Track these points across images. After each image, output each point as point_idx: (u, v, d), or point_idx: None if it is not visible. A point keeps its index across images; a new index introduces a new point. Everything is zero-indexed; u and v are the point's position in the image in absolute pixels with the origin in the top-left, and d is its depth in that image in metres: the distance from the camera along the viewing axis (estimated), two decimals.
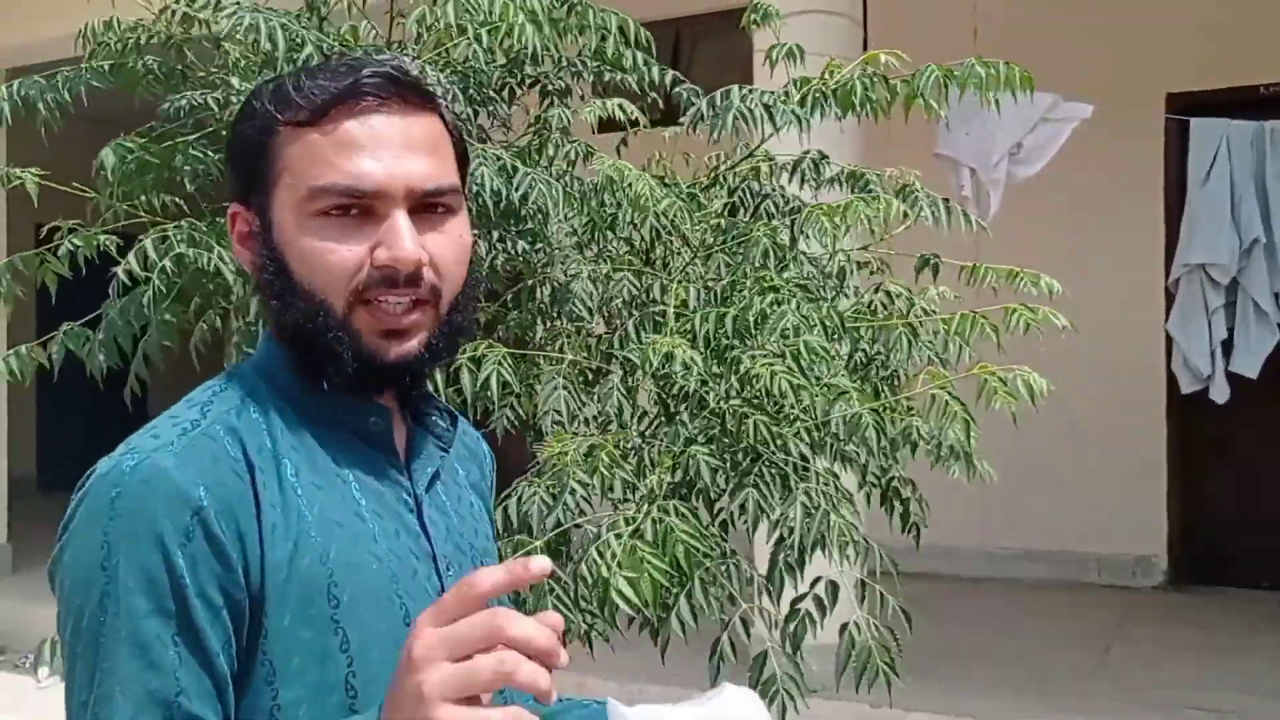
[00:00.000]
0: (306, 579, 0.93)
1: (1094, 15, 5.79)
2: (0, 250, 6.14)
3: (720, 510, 1.93)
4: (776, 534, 1.87)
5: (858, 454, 1.99)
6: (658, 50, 2.45)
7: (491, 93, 2.21)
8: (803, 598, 1.93)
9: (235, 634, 0.91)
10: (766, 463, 1.84)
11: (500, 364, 1.86)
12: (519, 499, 1.78)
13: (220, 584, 0.90)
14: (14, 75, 2.40)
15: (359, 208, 0.97)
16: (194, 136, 2.20)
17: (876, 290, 2.28)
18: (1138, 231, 5.76)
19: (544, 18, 1.97)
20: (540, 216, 2.04)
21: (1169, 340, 5.37)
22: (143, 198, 2.20)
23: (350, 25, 2.21)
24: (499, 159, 2.00)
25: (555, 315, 2.10)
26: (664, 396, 1.98)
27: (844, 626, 1.85)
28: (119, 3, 2.41)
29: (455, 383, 1.87)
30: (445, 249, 1.00)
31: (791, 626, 1.89)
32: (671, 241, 2.16)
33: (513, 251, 2.12)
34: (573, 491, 1.75)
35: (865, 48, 4.42)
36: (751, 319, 1.88)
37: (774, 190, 2.31)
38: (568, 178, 2.17)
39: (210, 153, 2.19)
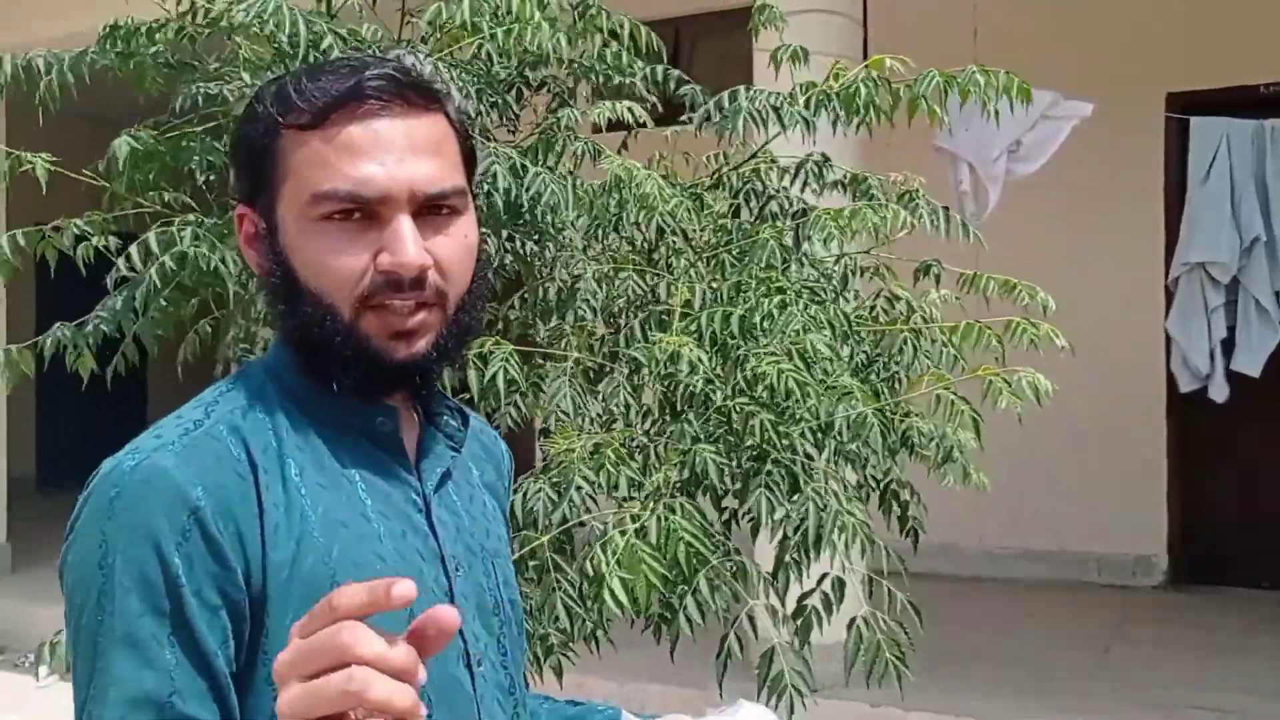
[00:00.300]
0: (309, 579, 0.92)
1: (1094, 14, 5.79)
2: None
3: (726, 508, 1.93)
4: (781, 532, 1.88)
5: (859, 454, 1.99)
6: (658, 50, 2.45)
7: (500, 93, 2.21)
8: (810, 594, 1.93)
9: (236, 634, 0.91)
10: (775, 462, 1.84)
11: (507, 361, 1.86)
12: (524, 495, 1.79)
13: (218, 584, 0.89)
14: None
15: (362, 212, 0.96)
16: (201, 129, 2.20)
17: (878, 295, 2.29)
18: (1138, 231, 5.76)
19: (562, 18, 1.96)
20: (549, 216, 2.04)
21: (1169, 340, 5.37)
22: (149, 192, 2.20)
23: (366, 27, 2.20)
24: (510, 158, 2.00)
25: (561, 315, 2.10)
26: (669, 395, 1.98)
27: (851, 622, 1.85)
28: (122, 3, 2.40)
29: (462, 380, 1.87)
30: (450, 251, 0.99)
31: (798, 623, 1.90)
32: (674, 241, 2.16)
33: (521, 251, 2.12)
34: (578, 488, 1.75)
35: (865, 47, 4.42)
36: (758, 319, 1.89)
37: (778, 192, 2.31)
38: (574, 178, 2.17)
39: (219, 146, 2.19)
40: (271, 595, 0.91)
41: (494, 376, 1.84)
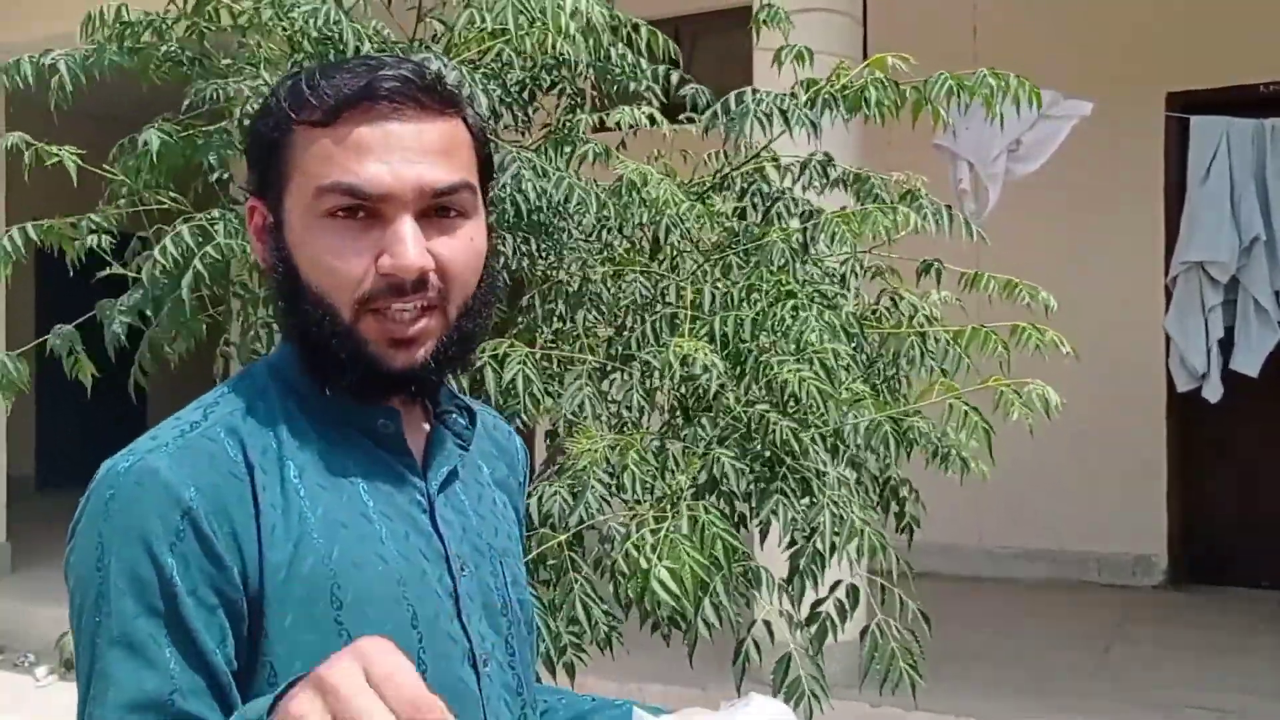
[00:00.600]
0: (309, 580, 0.92)
1: (1094, 14, 5.79)
2: None
3: (739, 512, 1.93)
4: (789, 537, 1.88)
5: (865, 458, 1.99)
6: (674, 55, 2.45)
7: (514, 95, 2.21)
8: (824, 601, 1.94)
9: (234, 634, 0.90)
10: (790, 468, 1.84)
11: (524, 363, 1.86)
12: (540, 499, 1.79)
13: (214, 584, 0.89)
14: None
15: (366, 210, 0.95)
16: (216, 127, 2.20)
17: (881, 295, 2.29)
18: (1137, 230, 5.76)
19: (599, 26, 1.96)
20: (565, 220, 2.04)
21: (1169, 339, 5.37)
22: (156, 190, 2.20)
23: (375, 23, 2.19)
24: (532, 161, 1.99)
25: (570, 318, 2.10)
26: (683, 398, 1.98)
27: (865, 630, 1.86)
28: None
29: (480, 382, 1.87)
30: (455, 253, 0.98)
31: (813, 629, 1.90)
32: (679, 242, 2.15)
33: (536, 255, 2.12)
34: (593, 490, 1.75)
35: (865, 46, 4.42)
36: (770, 324, 1.89)
37: (784, 193, 2.31)
38: (589, 181, 2.18)
39: (235, 144, 2.19)
40: (269, 596, 0.91)
41: (513, 379, 1.84)
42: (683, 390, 1.96)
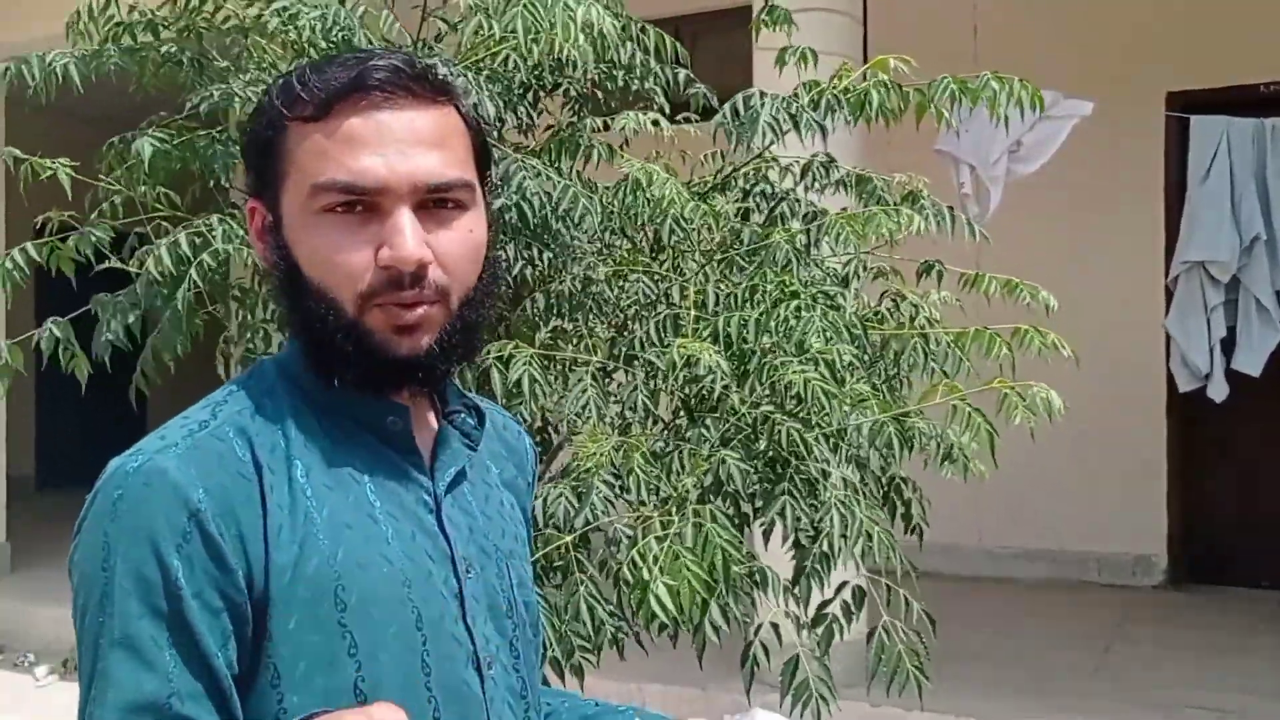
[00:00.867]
0: (313, 581, 0.92)
1: (1094, 14, 5.79)
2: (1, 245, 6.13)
3: (744, 512, 1.93)
4: (794, 538, 1.88)
5: (868, 458, 1.99)
6: (681, 59, 2.45)
7: (518, 98, 2.21)
8: (830, 602, 1.94)
9: (238, 636, 0.90)
10: (797, 470, 1.84)
11: (530, 364, 1.86)
12: (545, 501, 1.79)
13: (219, 586, 0.89)
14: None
15: (363, 204, 0.95)
16: (210, 131, 2.20)
17: (883, 296, 2.29)
18: (1138, 230, 5.76)
19: (611, 37, 1.95)
20: (571, 228, 2.04)
21: (1169, 339, 5.36)
22: (154, 190, 2.20)
23: (386, 16, 2.19)
24: (537, 170, 1.99)
25: (573, 318, 2.10)
26: (687, 399, 1.98)
27: (872, 631, 1.86)
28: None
29: (485, 380, 1.87)
30: (454, 246, 0.98)
31: (819, 631, 1.90)
32: (682, 243, 2.15)
33: (539, 261, 2.12)
34: (598, 492, 1.75)
35: (865, 46, 4.41)
36: (774, 324, 1.89)
37: (787, 194, 2.31)
38: (592, 185, 2.17)
39: (233, 149, 2.19)
40: (274, 598, 0.91)
41: (519, 380, 1.83)
42: (686, 391, 1.96)
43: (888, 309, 2.27)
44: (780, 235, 2.08)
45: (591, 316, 2.08)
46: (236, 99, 2.14)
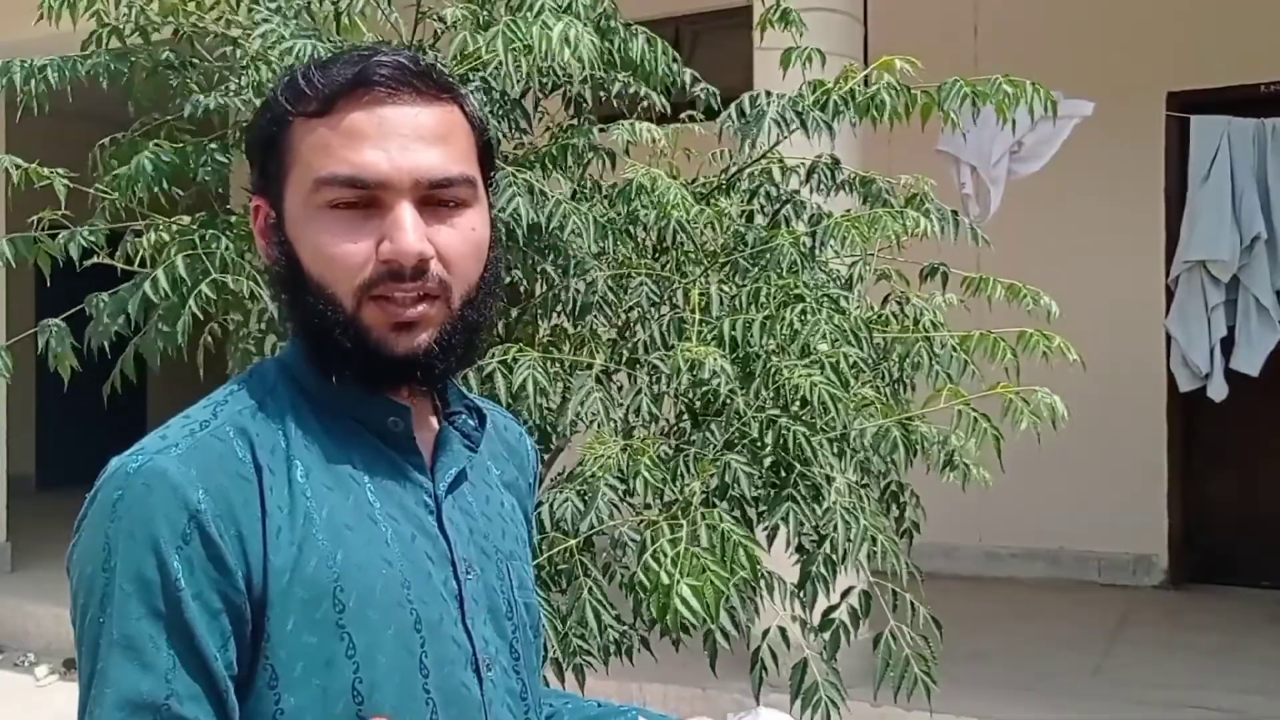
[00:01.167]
0: (311, 583, 0.92)
1: (1094, 13, 5.79)
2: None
3: (748, 517, 1.92)
4: (798, 542, 1.88)
5: (870, 461, 1.99)
6: (674, 60, 2.44)
7: (512, 106, 2.20)
8: (836, 607, 1.94)
9: (237, 637, 0.90)
10: (802, 475, 1.84)
11: (534, 369, 1.86)
12: (551, 505, 1.79)
13: (218, 588, 0.89)
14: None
15: (365, 200, 0.95)
16: (204, 140, 2.20)
17: (887, 299, 2.28)
18: (1138, 230, 5.76)
19: (590, 55, 1.95)
20: (555, 243, 2.04)
21: (1169, 339, 5.36)
22: (147, 193, 2.19)
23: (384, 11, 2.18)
24: (529, 185, 1.99)
25: (575, 319, 2.09)
26: (691, 403, 1.98)
27: (878, 637, 1.85)
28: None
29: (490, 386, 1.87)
30: (456, 243, 0.98)
31: (826, 635, 1.90)
32: (685, 244, 2.14)
33: (535, 272, 2.11)
34: (604, 496, 1.75)
35: (866, 45, 4.41)
36: (779, 328, 1.88)
37: (792, 195, 2.30)
38: (591, 199, 2.17)
39: (225, 159, 2.19)
40: (273, 599, 0.91)
41: (523, 384, 1.83)
42: (691, 395, 1.95)
43: (892, 312, 2.27)
44: (784, 238, 2.08)
45: (594, 317, 2.08)
46: (228, 106, 2.14)
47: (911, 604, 1.92)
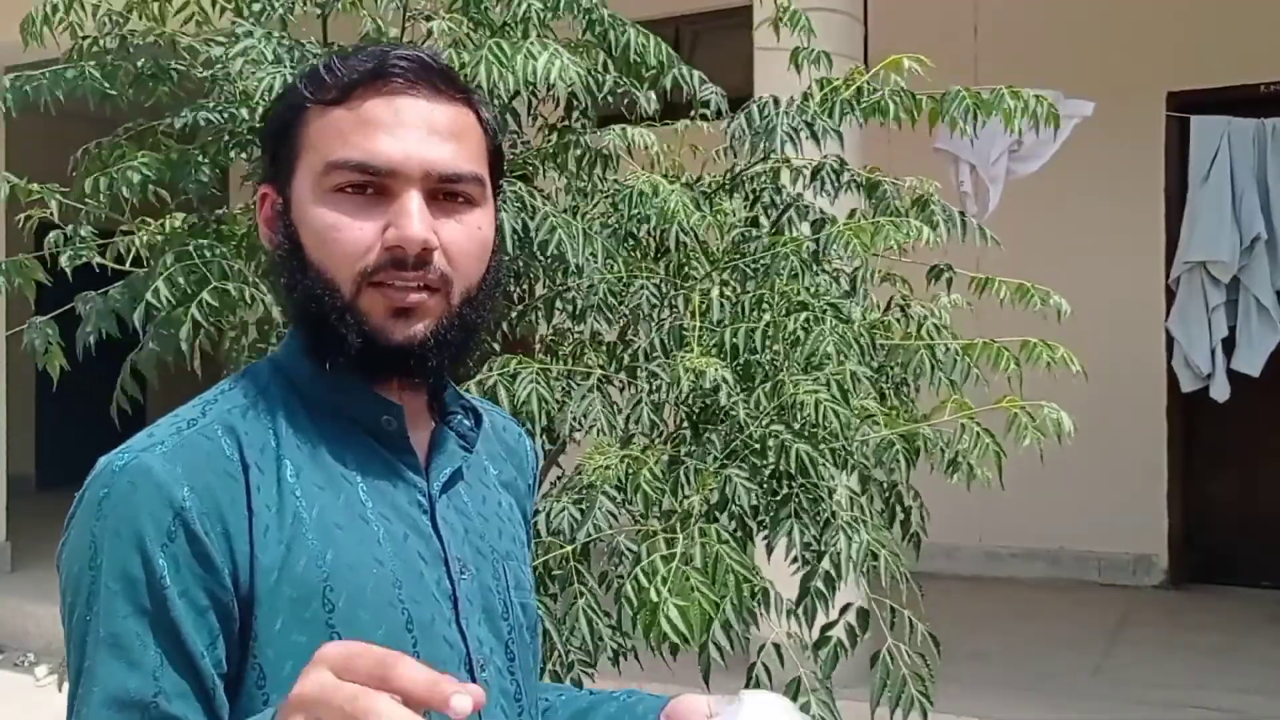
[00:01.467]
0: (301, 582, 0.91)
1: (1094, 13, 5.79)
2: (0, 247, 6.13)
3: (748, 527, 1.92)
4: (799, 556, 1.87)
5: (871, 471, 1.99)
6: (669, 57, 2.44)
7: (502, 104, 2.20)
8: (834, 624, 1.93)
9: (225, 635, 0.90)
10: (802, 487, 1.83)
11: (536, 381, 1.85)
12: (548, 515, 1.78)
13: (205, 585, 0.89)
14: (11, 72, 2.39)
15: (375, 187, 0.96)
16: (197, 147, 2.19)
17: (890, 302, 2.28)
18: (1138, 230, 5.76)
19: (579, 77, 1.94)
20: (541, 257, 2.03)
21: (1169, 339, 5.36)
22: (138, 197, 2.19)
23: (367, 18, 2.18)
24: (518, 198, 1.98)
25: (577, 319, 2.09)
26: (690, 413, 1.97)
27: (875, 655, 1.84)
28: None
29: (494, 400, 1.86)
30: (460, 239, 0.98)
31: (823, 653, 1.89)
32: (687, 246, 2.14)
33: (530, 278, 2.11)
34: (601, 506, 1.74)
35: (866, 45, 4.41)
36: (781, 335, 1.88)
37: (796, 198, 2.30)
38: (590, 186, 2.16)
39: (212, 170, 2.19)
40: (260, 598, 0.90)
41: (527, 398, 1.82)
42: (691, 403, 1.95)
43: (895, 318, 2.26)
44: (786, 246, 2.07)
45: (593, 318, 2.07)
46: (207, 118, 2.14)
47: (910, 621, 1.91)
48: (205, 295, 1.95)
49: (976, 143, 4.72)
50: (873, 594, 1.93)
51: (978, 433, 1.89)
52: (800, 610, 1.88)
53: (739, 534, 1.85)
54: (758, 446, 1.84)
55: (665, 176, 2.12)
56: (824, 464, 1.80)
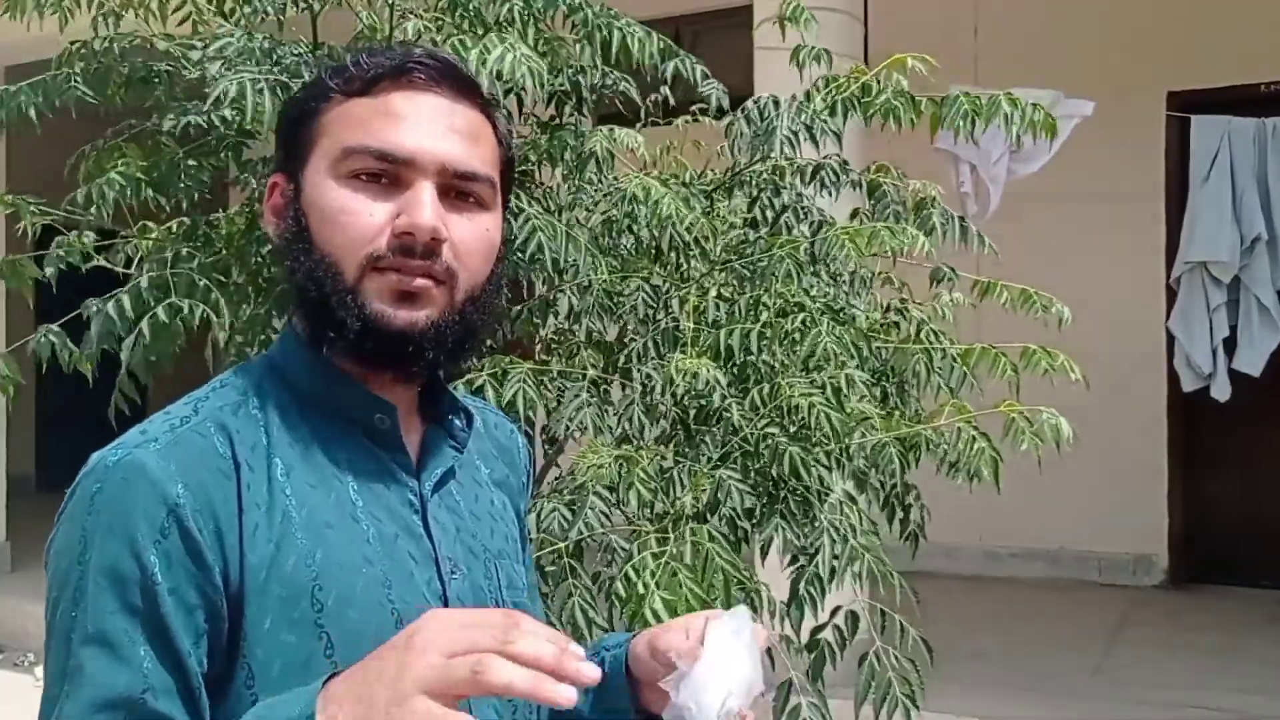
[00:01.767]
0: (289, 581, 0.91)
1: (1094, 13, 5.79)
2: (0, 247, 6.14)
3: (742, 528, 1.92)
4: (790, 558, 1.86)
5: (867, 474, 1.99)
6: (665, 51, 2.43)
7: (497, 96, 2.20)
8: (823, 627, 1.92)
9: (213, 634, 0.89)
10: (792, 489, 1.83)
11: (525, 381, 1.85)
12: (539, 515, 1.78)
13: (195, 583, 0.88)
14: (10, 73, 2.39)
15: (389, 176, 0.96)
16: (188, 150, 2.19)
17: (889, 306, 2.28)
18: (1138, 230, 5.76)
19: (537, 73, 1.93)
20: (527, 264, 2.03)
21: (1170, 339, 5.36)
22: (133, 200, 2.19)
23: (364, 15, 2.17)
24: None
25: (576, 318, 2.08)
26: (683, 414, 1.97)
27: (863, 657, 1.84)
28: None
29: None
30: (469, 237, 0.99)
31: (812, 656, 1.89)
32: (684, 247, 2.13)
33: (523, 281, 2.11)
34: (593, 506, 1.75)
35: (866, 45, 4.41)
36: (778, 336, 1.88)
37: (798, 197, 2.30)
38: (574, 222, 2.16)
39: (203, 172, 2.19)
40: (249, 597, 0.90)
41: (513, 399, 1.82)
42: (685, 404, 1.94)
43: (894, 321, 2.26)
44: (784, 249, 2.07)
45: (589, 320, 2.07)
46: (197, 121, 2.14)
47: (901, 625, 1.90)
48: (186, 305, 1.95)
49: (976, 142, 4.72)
50: (870, 598, 1.93)
51: (973, 437, 1.89)
52: (789, 612, 1.88)
53: (732, 536, 1.85)
54: (751, 449, 1.84)
55: (663, 177, 2.11)
56: (816, 466, 1.80)
